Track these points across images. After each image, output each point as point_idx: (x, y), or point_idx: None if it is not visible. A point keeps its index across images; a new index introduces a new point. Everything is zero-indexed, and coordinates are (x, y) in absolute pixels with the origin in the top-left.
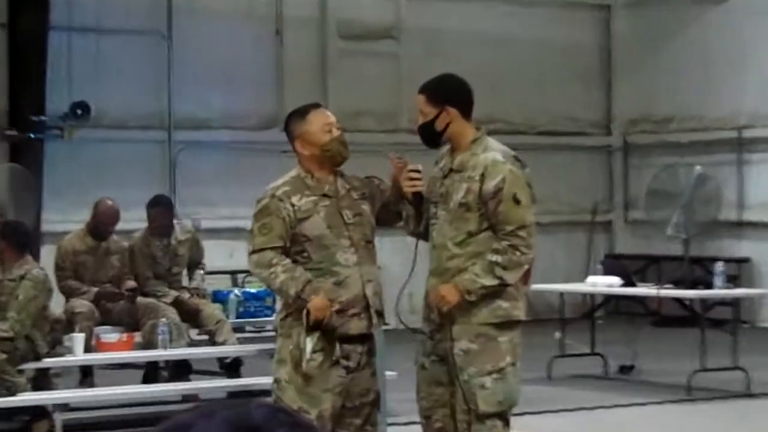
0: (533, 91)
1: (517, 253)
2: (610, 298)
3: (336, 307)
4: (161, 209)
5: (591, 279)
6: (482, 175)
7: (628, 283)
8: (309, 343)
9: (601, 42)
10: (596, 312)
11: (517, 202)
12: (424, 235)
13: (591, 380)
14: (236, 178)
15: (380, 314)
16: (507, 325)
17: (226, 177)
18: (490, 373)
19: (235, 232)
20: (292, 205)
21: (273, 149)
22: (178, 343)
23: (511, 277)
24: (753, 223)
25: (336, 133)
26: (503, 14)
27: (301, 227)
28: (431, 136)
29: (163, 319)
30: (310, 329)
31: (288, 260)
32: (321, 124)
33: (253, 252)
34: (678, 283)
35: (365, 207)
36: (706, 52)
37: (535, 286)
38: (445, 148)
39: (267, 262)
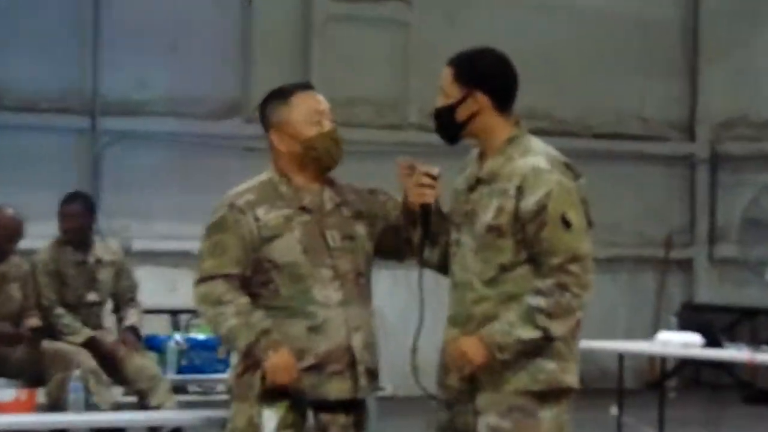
0: (592, 79)
1: (567, 295)
2: (686, 363)
3: (308, 362)
4: (77, 207)
5: (662, 336)
6: (519, 188)
7: (713, 342)
8: (271, 419)
9: (686, 19)
10: (667, 381)
11: (566, 225)
12: (438, 265)
13: None
14: (183, 184)
15: (372, 374)
16: (552, 394)
17: (168, 181)
18: None
19: (178, 257)
20: (256, 219)
21: (234, 145)
22: (98, 404)
23: (558, 327)
24: None
25: (327, 126)
26: None
27: (268, 250)
28: (448, 126)
29: (77, 371)
30: (267, 398)
31: (245, 298)
32: (307, 112)
33: (200, 281)
34: None
35: (360, 229)
36: None
37: (586, 344)
38: (474, 152)
39: (215, 298)
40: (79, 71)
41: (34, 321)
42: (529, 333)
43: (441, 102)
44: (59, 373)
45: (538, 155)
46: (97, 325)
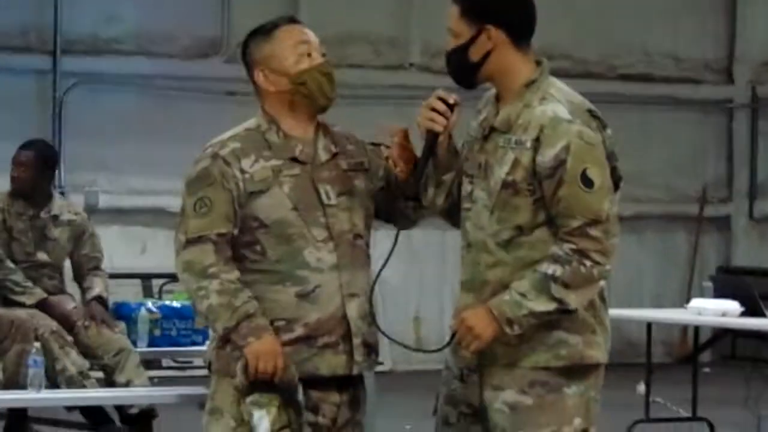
0: (616, 14)
1: (587, 263)
2: (723, 334)
3: (298, 333)
4: (29, 154)
5: (695, 303)
6: (536, 140)
7: (753, 311)
8: (263, 421)
9: None
10: (701, 355)
11: (587, 183)
12: (443, 211)
13: None
14: (155, 132)
15: (370, 348)
16: (578, 370)
17: (139, 129)
18: None
19: (150, 215)
20: (242, 172)
21: (213, 88)
22: (66, 370)
23: (575, 299)
24: None
25: (317, 59)
26: None
27: (253, 206)
28: (463, 69)
29: (36, 344)
30: (253, 390)
31: (233, 273)
32: (294, 44)
33: (187, 243)
34: None
35: (359, 184)
36: None
37: (611, 313)
38: (490, 93)
39: (201, 269)
40: (38, 4)
41: None
42: (542, 305)
43: (451, 44)
44: (17, 345)
45: (558, 102)
46: (50, 290)
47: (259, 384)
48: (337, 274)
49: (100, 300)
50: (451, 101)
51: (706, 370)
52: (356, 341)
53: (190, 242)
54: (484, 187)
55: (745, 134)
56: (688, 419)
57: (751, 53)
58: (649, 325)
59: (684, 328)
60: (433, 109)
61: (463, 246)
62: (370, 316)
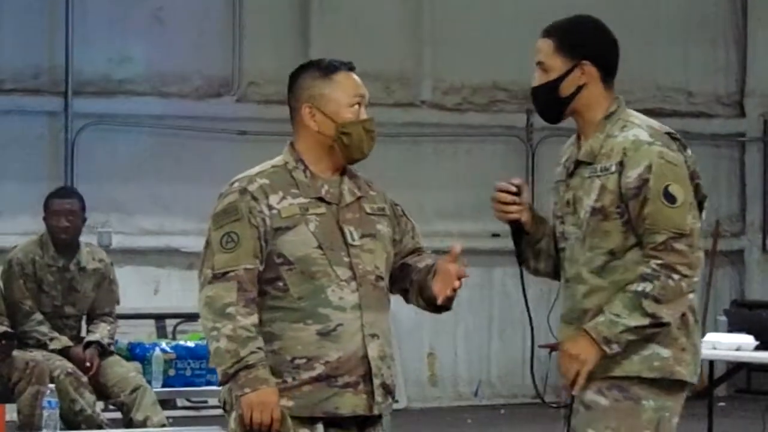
0: (626, 48)
1: (675, 276)
2: (737, 368)
3: (318, 371)
4: (74, 204)
5: (710, 337)
6: (620, 163)
7: (767, 344)
8: None
9: None
10: (716, 388)
11: (670, 199)
12: (549, 271)
13: None
14: (167, 172)
15: (387, 389)
16: (661, 385)
17: (151, 170)
18: None
19: (163, 256)
20: (270, 208)
21: (226, 128)
22: (83, 410)
23: (668, 312)
24: None
25: (364, 114)
26: None
27: (279, 243)
28: (552, 104)
29: (51, 386)
30: None
31: (251, 318)
32: (350, 94)
33: (213, 278)
34: None
35: (381, 228)
36: None
37: None
38: (570, 139)
39: (220, 306)
40: (50, 45)
41: (1, 328)
42: (637, 320)
43: (541, 78)
44: (31, 387)
45: (638, 127)
46: (73, 339)
47: None
48: (359, 314)
49: (98, 345)
50: (515, 186)
51: (722, 404)
52: (376, 382)
53: (216, 277)
54: (573, 222)
55: (758, 168)
56: None
57: (762, 86)
58: None
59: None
60: (501, 202)
61: (563, 283)
62: (390, 359)
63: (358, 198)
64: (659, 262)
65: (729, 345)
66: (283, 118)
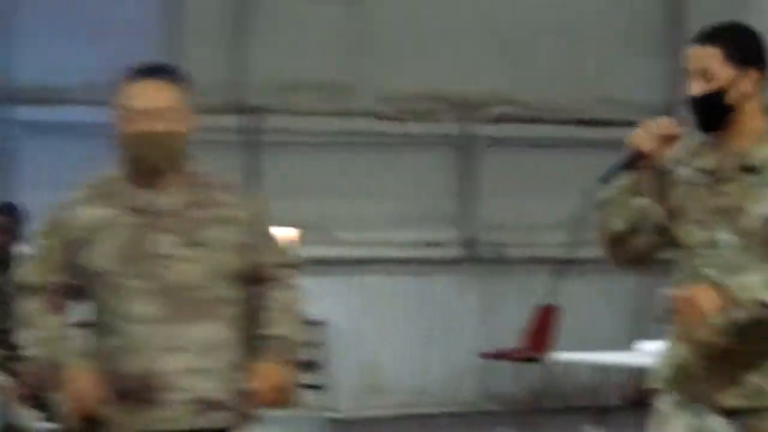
0: (562, 58)
1: None
2: None
3: (112, 386)
4: (4, 219)
5: (644, 346)
6: None
7: None
8: None
9: None
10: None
11: None
12: (640, 253)
13: None
14: None
15: (207, 403)
16: None
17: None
18: None
19: None
20: (76, 219)
21: None
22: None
23: None
24: None
25: (141, 126)
26: None
27: (83, 254)
28: (718, 113)
29: None
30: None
31: (56, 318)
32: (131, 104)
33: (17, 293)
34: None
35: (216, 234)
36: None
37: (561, 356)
38: (692, 142)
39: (25, 318)
40: None
41: None
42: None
43: (705, 86)
44: None
45: None
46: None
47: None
48: (159, 327)
49: None
50: (674, 132)
51: None
52: (179, 396)
53: (19, 291)
54: (733, 230)
55: None
56: None
57: None
58: (599, 369)
59: (634, 370)
60: (651, 131)
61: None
62: (208, 372)
63: (189, 204)
64: None
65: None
66: (214, 126)
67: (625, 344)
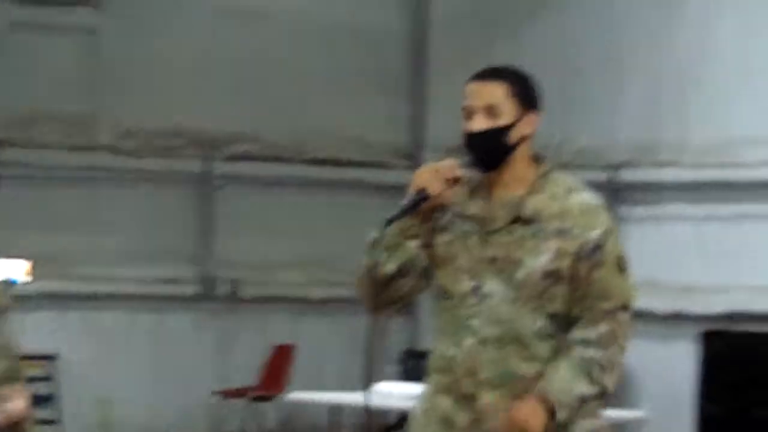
0: (308, 97)
1: (615, 347)
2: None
3: None
4: None
5: (381, 386)
6: (580, 227)
7: None
8: None
9: (413, 30)
10: None
11: (621, 268)
12: (393, 293)
13: None
14: None
15: None
16: None
17: None
18: None
19: None
20: None
21: None
22: None
23: (611, 382)
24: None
25: None
26: None
27: None
28: (499, 150)
29: None
30: None
31: None
32: None
33: None
34: None
35: None
36: (568, 40)
37: (295, 395)
38: (459, 190)
39: None
40: None
41: None
42: (588, 389)
43: (490, 122)
44: None
45: (587, 191)
46: None
47: None
48: None
49: None
50: (457, 174)
51: None
52: None
53: None
54: (503, 281)
55: None
56: None
57: (438, 139)
58: (334, 408)
59: (369, 411)
60: (438, 171)
61: (472, 344)
62: None
63: None
64: (606, 328)
65: (401, 394)
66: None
67: (361, 385)
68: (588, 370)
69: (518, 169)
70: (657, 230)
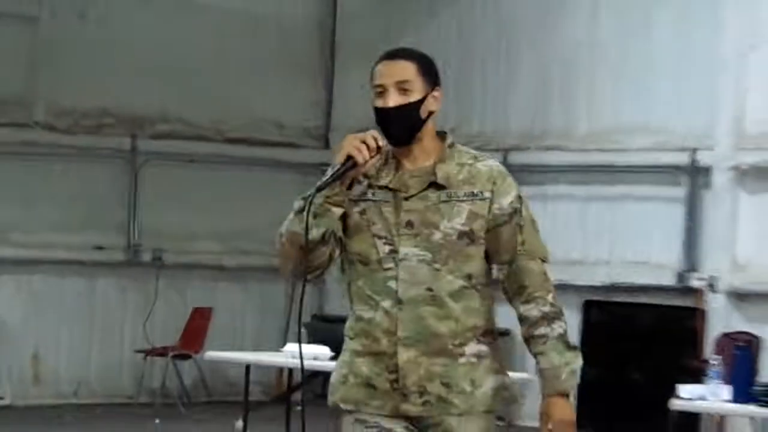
0: (226, 81)
1: (557, 301)
2: (314, 375)
3: None
4: None
5: (290, 347)
6: (491, 191)
7: (340, 354)
8: None
9: (323, 19)
10: (294, 394)
11: (536, 229)
12: (317, 271)
13: None
14: None
15: None
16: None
17: None
18: None
19: None
20: None
21: None
22: None
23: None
24: None
25: None
26: None
27: None
28: (412, 125)
29: None
30: None
31: None
32: None
33: None
34: None
35: None
36: (465, 32)
37: (211, 354)
38: (374, 160)
39: None
40: None
41: None
42: (575, 359)
43: (404, 98)
44: None
45: (489, 158)
46: None
47: None
48: None
49: None
50: (380, 143)
51: (299, 408)
52: None
53: None
54: (419, 244)
55: None
56: None
57: (346, 122)
58: (248, 367)
59: (280, 369)
60: (364, 142)
61: (391, 305)
62: None
63: None
64: (551, 294)
65: (307, 355)
66: None
67: (273, 345)
68: (566, 343)
69: (425, 142)
70: (544, 209)
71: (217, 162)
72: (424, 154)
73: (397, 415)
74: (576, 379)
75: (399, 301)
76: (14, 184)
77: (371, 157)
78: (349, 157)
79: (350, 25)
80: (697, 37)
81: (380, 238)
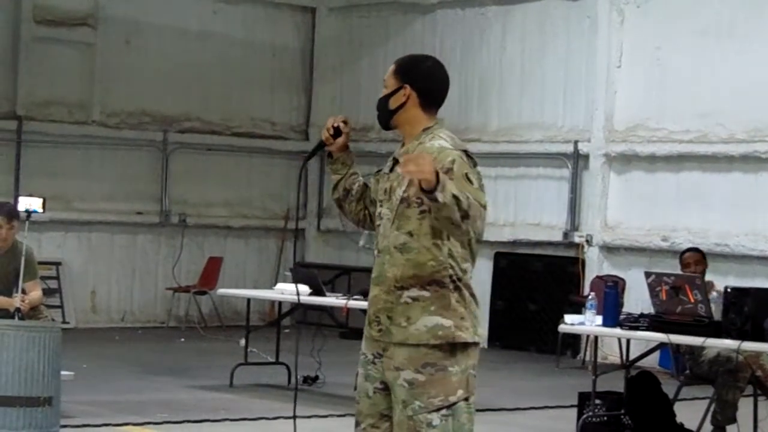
0: (233, 90)
1: (476, 209)
2: (298, 307)
3: None
4: None
5: (279, 286)
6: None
7: (317, 292)
8: None
9: (305, 46)
10: (283, 320)
11: (470, 181)
12: (355, 218)
13: (274, 390)
14: None
15: None
16: (457, 352)
17: None
18: (438, 410)
19: None
20: None
21: None
22: None
23: (469, 222)
24: None
25: None
26: (207, 10)
27: None
28: (383, 113)
29: None
30: None
31: None
32: None
33: None
34: (367, 295)
35: None
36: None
37: (222, 291)
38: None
39: None
40: None
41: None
42: (462, 200)
43: (382, 93)
44: None
45: (442, 139)
46: None
47: None
48: None
49: None
50: (337, 124)
51: (287, 330)
52: None
53: None
54: (388, 206)
55: (317, 175)
56: (272, 363)
57: (321, 121)
58: (248, 300)
59: (272, 302)
60: (328, 128)
61: (377, 252)
62: None
63: None
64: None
65: (291, 291)
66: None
67: (267, 284)
68: (462, 193)
69: (410, 128)
70: None
71: (226, 150)
72: (410, 137)
73: (371, 341)
74: (449, 190)
75: (379, 251)
76: (77, 166)
77: (330, 136)
78: (320, 139)
79: (324, 50)
80: (579, 58)
81: (378, 201)
